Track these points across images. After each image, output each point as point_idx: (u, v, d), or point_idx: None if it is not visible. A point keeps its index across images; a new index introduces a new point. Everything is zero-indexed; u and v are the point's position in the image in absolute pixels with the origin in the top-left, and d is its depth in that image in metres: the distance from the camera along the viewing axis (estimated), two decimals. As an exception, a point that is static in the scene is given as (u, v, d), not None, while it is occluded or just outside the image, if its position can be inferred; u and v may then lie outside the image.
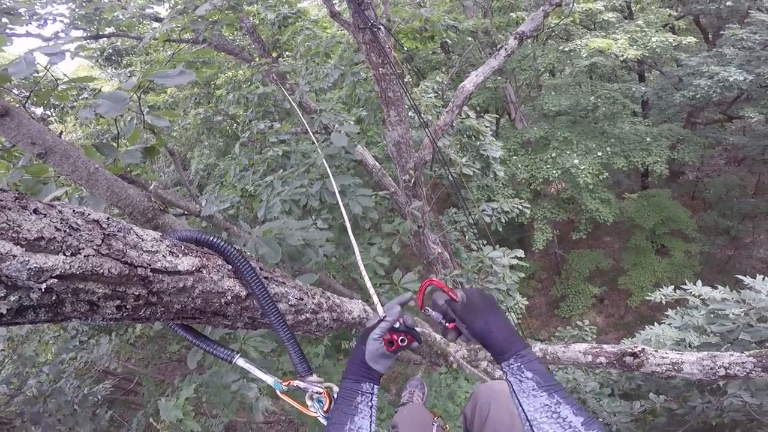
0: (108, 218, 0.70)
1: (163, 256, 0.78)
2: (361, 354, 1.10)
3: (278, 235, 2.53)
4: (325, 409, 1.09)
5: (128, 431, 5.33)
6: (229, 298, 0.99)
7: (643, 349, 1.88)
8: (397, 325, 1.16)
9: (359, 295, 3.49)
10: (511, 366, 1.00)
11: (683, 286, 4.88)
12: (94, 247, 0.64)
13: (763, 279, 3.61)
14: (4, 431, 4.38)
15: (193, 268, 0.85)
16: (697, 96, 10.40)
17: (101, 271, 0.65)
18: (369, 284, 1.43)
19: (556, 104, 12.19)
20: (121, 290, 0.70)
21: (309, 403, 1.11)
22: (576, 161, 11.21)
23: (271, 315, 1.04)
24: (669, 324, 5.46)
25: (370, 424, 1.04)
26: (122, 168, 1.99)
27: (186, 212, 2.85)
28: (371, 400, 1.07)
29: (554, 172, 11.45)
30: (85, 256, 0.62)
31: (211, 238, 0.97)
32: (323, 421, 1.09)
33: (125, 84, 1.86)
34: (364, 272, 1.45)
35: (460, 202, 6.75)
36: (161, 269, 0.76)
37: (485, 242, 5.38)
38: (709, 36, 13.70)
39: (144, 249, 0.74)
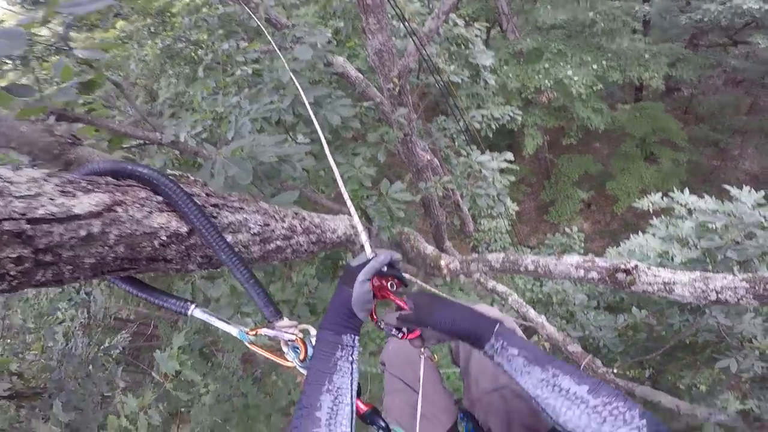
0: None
1: (50, 199, 0.60)
2: (345, 298, 0.96)
3: (249, 154, 2.36)
4: (301, 357, 0.96)
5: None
6: (164, 238, 0.83)
7: (636, 266, 1.80)
8: (385, 269, 1.02)
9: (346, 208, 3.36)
10: (495, 347, 0.94)
11: (670, 194, 4.84)
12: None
13: (750, 191, 3.51)
14: (39, 400, 4.27)
15: (100, 209, 0.68)
16: (705, 19, 10.03)
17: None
18: (349, 201, 1.26)
19: (551, 18, 11.69)
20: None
21: (285, 350, 0.99)
22: (569, 72, 10.93)
23: (220, 252, 0.88)
24: (653, 234, 5.51)
25: (351, 383, 0.91)
26: (43, 109, 1.79)
27: (146, 141, 2.70)
28: (352, 354, 0.95)
29: (546, 82, 11.18)
30: None
31: (130, 167, 0.79)
32: (302, 371, 0.96)
33: (24, 19, 1.64)
34: (342, 188, 1.27)
35: (449, 109, 6.53)
36: (45, 217, 0.58)
37: (475, 147, 5.24)
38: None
39: (14, 195, 0.55)
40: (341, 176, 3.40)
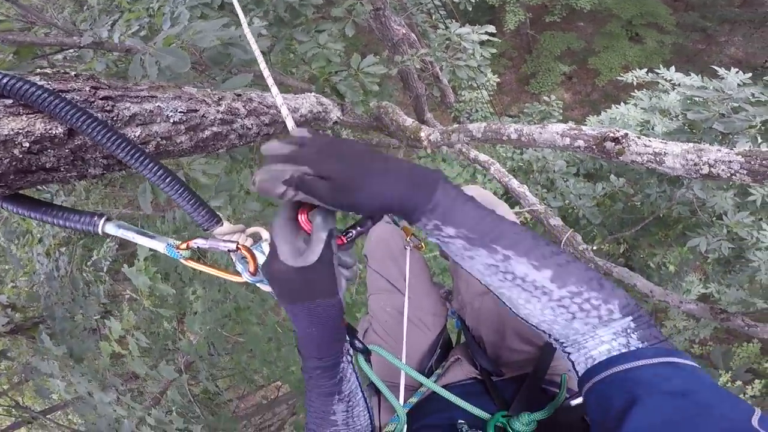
0: None
1: None
2: (327, 284, 0.65)
3: (188, 41, 2.08)
4: (251, 269, 0.77)
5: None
6: (27, 144, 0.67)
7: (626, 135, 1.65)
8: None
9: (315, 86, 3.15)
10: (427, 227, 0.63)
11: (656, 70, 4.72)
12: None
13: (737, 72, 3.56)
14: (36, 332, 4.01)
15: None
16: None
17: None
18: (267, 74, 1.03)
19: None
20: None
21: (234, 259, 0.80)
22: None
23: (114, 148, 0.69)
24: (635, 104, 5.44)
25: (358, 379, 0.81)
26: None
27: (63, 47, 2.51)
28: (350, 352, 0.79)
29: None
30: None
31: None
32: (262, 287, 0.78)
33: None
34: (262, 64, 1.05)
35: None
36: None
37: (454, 21, 4.88)
38: None
39: None
40: (306, 54, 3.13)
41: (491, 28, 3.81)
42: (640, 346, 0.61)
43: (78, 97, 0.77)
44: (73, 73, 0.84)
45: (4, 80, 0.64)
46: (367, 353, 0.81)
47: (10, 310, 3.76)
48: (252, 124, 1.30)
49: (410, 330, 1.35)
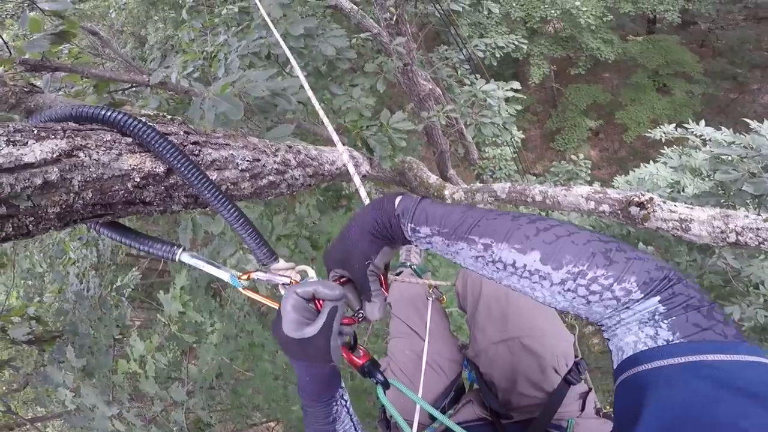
0: None
1: (-5, 150, 0.55)
2: (319, 355, 0.73)
3: (241, 90, 2.26)
4: None
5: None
6: (138, 180, 0.76)
7: (651, 199, 1.62)
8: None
9: (347, 138, 3.29)
10: (408, 235, 0.71)
11: (685, 125, 4.65)
12: None
13: None
14: (55, 345, 4.03)
15: (55, 155, 0.62)
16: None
17: None
18: (330, 128, 1.15)
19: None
20: None
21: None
22: (577, 3, 10.26)
23: (203, 189, 0.80)
24: (664, 163, 5.33)
25: (353, 419, 0.87)
26: (9, 61, 1.84)
27: (133, 84, 2.71)
28: (344, 396, 0.86)
29: (552, 11, 10.55)
30: None
31: (91, 110, 0.71)
32: None
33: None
34: (323, 116, 1.16)
35: (451, 38, 6.21)
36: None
37: (479, 77, 5.03)
38: None
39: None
40: (339, 107, 3.31)
41: (516, 85, 3.88)
42: (671, 338, 0.49)
43: (176, 140, 0.88)
44: (169, 117, 0.96)
45: (129, 121, 0.74)
46: (386, 387, 0.87)
47: (34, 322, 3.93)
48: (299, 175, 1.42)
49: (427, 373, 1.42)
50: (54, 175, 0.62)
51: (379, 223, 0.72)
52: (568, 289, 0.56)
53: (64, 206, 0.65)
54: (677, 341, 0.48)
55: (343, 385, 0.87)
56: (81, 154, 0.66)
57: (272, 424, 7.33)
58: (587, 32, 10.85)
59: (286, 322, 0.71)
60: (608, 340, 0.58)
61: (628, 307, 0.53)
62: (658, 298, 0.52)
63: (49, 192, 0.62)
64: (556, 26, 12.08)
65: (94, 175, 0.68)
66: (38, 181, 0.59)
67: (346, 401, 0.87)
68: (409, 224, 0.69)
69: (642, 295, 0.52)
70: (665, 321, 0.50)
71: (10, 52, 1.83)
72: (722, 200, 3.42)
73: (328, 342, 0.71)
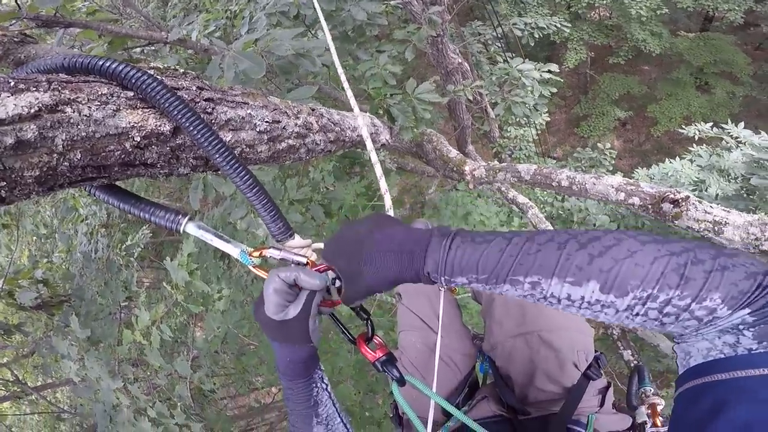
0: None
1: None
2: (299, 337, 0.75)
3: (264, 48, 2.15)
4: None
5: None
6: (139, 139, 0.69)
7: (688, 198, 1.53)
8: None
9: (368, 106, 3.20)
10: (440, 284, 0.65)
11: (722, 125, 4.49)
12: None
13: None
14: (62, 310, 3.93)
15: (33, 110, 0.55)
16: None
17: None
18: (350, 95, 1.08)
19: None
20: None
21: None
22: None
23: (214, 153, 0.72)
24: (691, 161, 5.19)
25: (335, 405, 0.88)
26: (12, 14, 1.69)
27: (151, 41, 2.58)
28: (323, 380, 0.87)
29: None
30: None
31: (86, 60, 0.64)
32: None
33: None
34: (344, 81, 1.09)
35: (486, 13, 6.00)
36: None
37: (513, 55, 4.84)
38: None
39: None
40: (362, 74, 3.20)
41: (554, 67, 3.71)
42: (755, 347, 0.45)
43: (186, 96, 0.80)
44: (181, 71, 0.88)
45: (131, 73, 0.67)
46: (402, 383, 0.84)
47: (41, 286, 3.84)
48: (320, 140, 1.35)
49: (440, 367, 1.38)
50: (30, 134, 0.55)
51: (405, 277, 0.65)
52: (637, 314, 0.50)
53: (45, 169, 0.58)
54: (762, 350, 0.44)
55: (322, 368, 0.87)
56: (68, 110, 0.60)
57: (274, 389, 7.45)
58: (636, 23, 10.38)
59: (268, 304, 0.73)
60: (676, 343, 0.55)
61: (710, 324, 0.48)
62: (747, 310, 0.45)
63: (25, 153, 0.55)
64: (602, 13, 11.67)
65: (84, 134, 0.61)
66: (9, 140, 0.53)
67: (326, 385, 0.87)
68: (443, 277, 0.63)
69: (729, 312, 0.46)
70: (750, 330, 0.45)
71: (19, 7, 1.74)
72: (749, 205, 3.33)
73: (307, 324, 0.73)
